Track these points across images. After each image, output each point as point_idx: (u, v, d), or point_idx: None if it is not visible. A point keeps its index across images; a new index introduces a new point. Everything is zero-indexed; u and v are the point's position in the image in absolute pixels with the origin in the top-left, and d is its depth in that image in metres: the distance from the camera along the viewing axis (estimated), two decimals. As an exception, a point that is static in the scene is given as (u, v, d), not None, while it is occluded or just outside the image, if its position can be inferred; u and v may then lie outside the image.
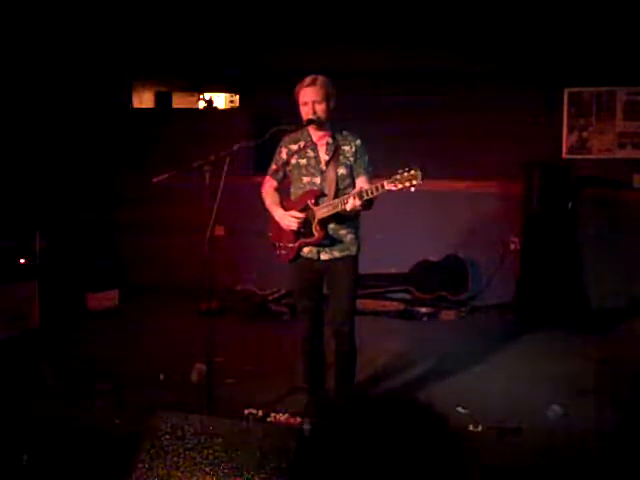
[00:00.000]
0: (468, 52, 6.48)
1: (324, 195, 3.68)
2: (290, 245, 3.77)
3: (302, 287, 3.87)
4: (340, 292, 3.79)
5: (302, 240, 3.73)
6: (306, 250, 3.76)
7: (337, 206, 3.57)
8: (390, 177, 3.32)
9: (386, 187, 3.33)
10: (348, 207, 3.49)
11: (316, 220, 3.66)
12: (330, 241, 3.71)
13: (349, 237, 3.75)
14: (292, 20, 6.75)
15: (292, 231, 3.72)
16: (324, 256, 3.74)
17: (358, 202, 3.44)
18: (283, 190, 3.91)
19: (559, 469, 3.44)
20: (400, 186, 3.28)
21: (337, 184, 3.67)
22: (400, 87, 6.76)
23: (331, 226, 3.71)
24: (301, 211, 3.70)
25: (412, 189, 3.28)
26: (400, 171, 3.28)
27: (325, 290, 3.88)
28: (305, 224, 3.70)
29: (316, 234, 3.68)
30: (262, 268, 6.54)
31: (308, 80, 3.65)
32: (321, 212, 3.65)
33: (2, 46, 5.95)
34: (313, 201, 3.68)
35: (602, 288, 6.01)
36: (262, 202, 3.90)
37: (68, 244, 6.34)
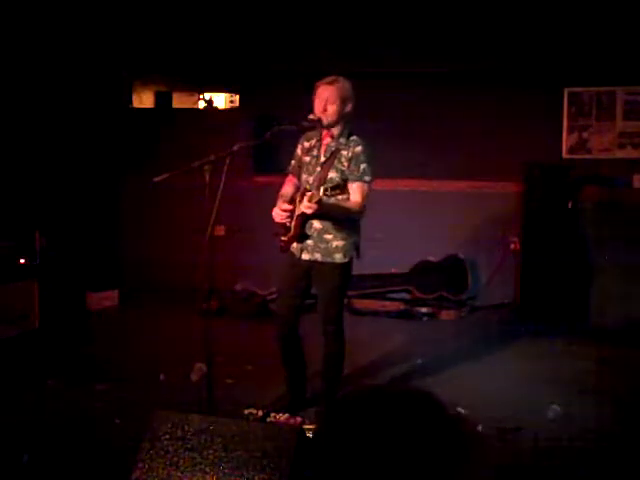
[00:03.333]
0: (468, 52, 6.48)
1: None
2: (282, 238, 3.83)
3: (285, 283, 3.90)
4: (324, 296, 3.81)
5: (288, 235, 3.78)
6: (294, 246, 3.80)
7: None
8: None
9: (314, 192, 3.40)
10: (302, 208, 3.50)
11: (294, 217, 3.70)
12: (313, 242, 3.74)
13: (335, 243, 3.73)
14: (292, 20, 6.74)
15: (283, 225, 3.77)
16: (305, 256, 3.77)
17: (307, 203, 3.40)
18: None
19: (559, 469, 3.44)
20: (328, 194, 3.36)
21: (322, 186, 3.68)
22: (400, 87, 6.75)
23: (317, 227, 3.73)
24: (292, 205, 3.76)
25: (337, 198, 3.42)
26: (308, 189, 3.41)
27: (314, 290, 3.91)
28: (291, 219, 3.74)
29: (292, 230, 3.73)
30: (262, 268, 6.54)
31: (329, 78, 3.69)
32: (297, 210, 3.69)
33: (2, 46, 5.94)
34: (301, 198, 3.71)
35: (602, 287, 6.01)
36: None
37: (68, 244, 6.33)
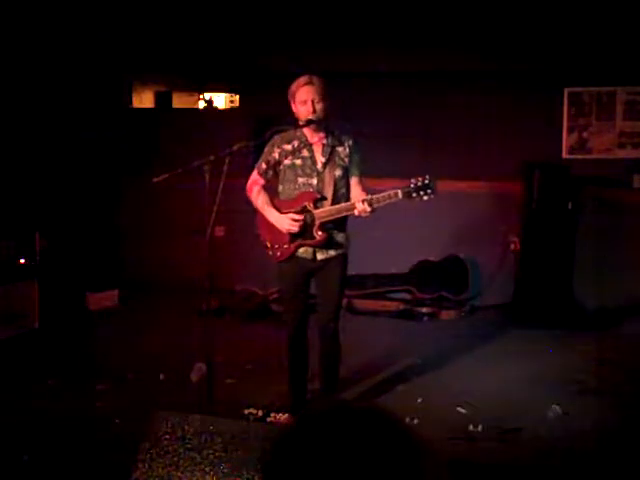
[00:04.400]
0: (468, 52, 6.48)
1: (324, 198, 3.68)
2: (285, 246, 3.77)
3: (293, 287, 3.89)
4: (330, 291, 3.82)
5: (299, 242, 3.74)
6: (301, 250, 3.77)
7: (342, 211, 3.60)
8: (403, 187, 3.35)
9: (400, 196, 3.36)
10: (357, 212, 3.54)
11: (317, 223, 3.68)
12: (328, 242, 3.73)
13: (340, 235, 3.79)
14: (292, 20, 6.74)
15: (289, 233, 3.73)
16: (320, 256, 3.76)
17: (369, 208, 3.48)
18: (269, 189, 3.93)
19: (559, 469, 3.45)
20: (414, 195, 3.30)
21: (335, 186, 3.69)
22: (400, 87, 6.76)
23: (330, 227, 3.73)
24: (298, 213, 3.71)
25: (425, 198, 3.31)
26: (414, 181, 3.31)
27: (313, 289, 3.91)
28: (305, 226, 3.71)
29: (317, 237, 3.69)
30: (262, 268, 6.54)
31: (305, 79, 3.65)
32: (324, 216, 3.66)
33: (2, 46, 5.94)
34: (312, 204, 3.68)
35: (602, 288, 6.01)
36: (249, 200, 3.91)
37: (68, 244, 6.33)
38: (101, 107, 7.20)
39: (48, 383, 4.50)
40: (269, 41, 6.88)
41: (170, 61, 7.35)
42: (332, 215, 3.64)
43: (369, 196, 3.53)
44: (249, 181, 3.91)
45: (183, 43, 7.08)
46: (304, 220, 3.69)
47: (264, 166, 3.85)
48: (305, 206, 3.70)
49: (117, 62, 7.21)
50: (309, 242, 3.72)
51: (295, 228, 3.70)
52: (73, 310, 6.12)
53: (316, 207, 3.68)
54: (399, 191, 3.38)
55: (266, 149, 3.85)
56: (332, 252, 3.77)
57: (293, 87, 3.67)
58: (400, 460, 1.12)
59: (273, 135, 3.77)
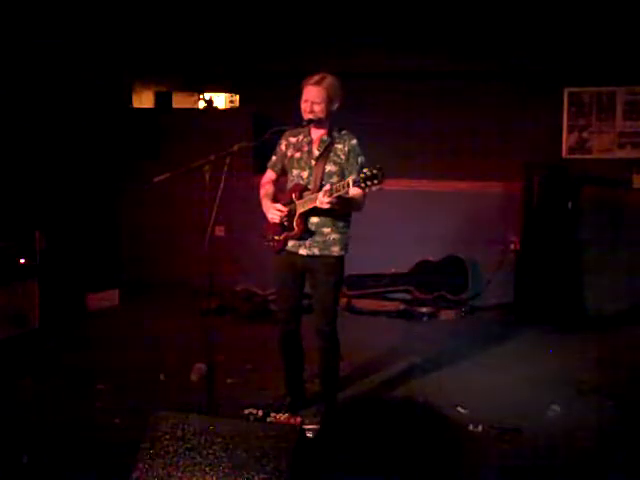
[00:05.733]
0: (468, 52, 6.48)
1: (307, 190, 3.70)
2: (277, 238, 3.81)
3: (282, 281, 3.89)
4: (320, 293, 3.80)
5: (286, 234, 3.77)
6: (290, 243, 3.79)
7: (311, 201, 3.59)
8: (355, 176, 3.35)
9: (350, 185, 3.35)
10: (317, 203, 3.52)
11: (296, 214, 3.69)
12: (311, 237, 3.72)
13: (332, 236, 3.74)
14: (292, 20, 6.75)
15: (278, 224, 3.76)
16: (302, 251, 3.75)
17: (326, 199, 3.45)
18: (282, 185, 3.95)
19: (559, 469, 3.45)
20: (362, 185, 3.30)
21: (322, 180, 3.68)
22: (400, 87, 6.76)
23: (314, 222, 3.72)
24: (286, 205, 3.74)
25: (374, 189, 3.30)
26: (365, 171, 3.30)
27: (308, 289, 3.90)
28: (289, 218, 3.73)
29: (296, 228, 3.71)
30: (262, 268, 6.54)
31: (315, 78, 3.66)
32: (300, 207, 3.68)
33: (2, 46, 5.94)
34: (297, 195, 3.71)
35: (602, 288, 6.01)
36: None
37: (68, 244, 6.33)
38: (101, 107, 7.19)
39: (48, 383, 4.50)
40: (269, 41, 6.89)
41: (170, 61, 7.35)
42: (305, 206, 3.64)
43: (328, 185, 3.50)
44: (264, 175, 3.98)
45: (183, 43, 7.08)
46: (289, 211, 3.72)
47: (274, 158, 3.93)
48: (292, 198, 3.73)
49: (117, 62, 7.20)
50: (290, 234, 3.74)
51: (276, 218, 3.74)
52: (73, 310, 6.12)
53: (300, 198, 3.70)
54: (349, 180, 3.38)
55: (278, 142, 3.91)
56: (316, 250, 3.73)
57: (304, 82, 3.69)
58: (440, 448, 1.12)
59: (274, 135, 3.77)
